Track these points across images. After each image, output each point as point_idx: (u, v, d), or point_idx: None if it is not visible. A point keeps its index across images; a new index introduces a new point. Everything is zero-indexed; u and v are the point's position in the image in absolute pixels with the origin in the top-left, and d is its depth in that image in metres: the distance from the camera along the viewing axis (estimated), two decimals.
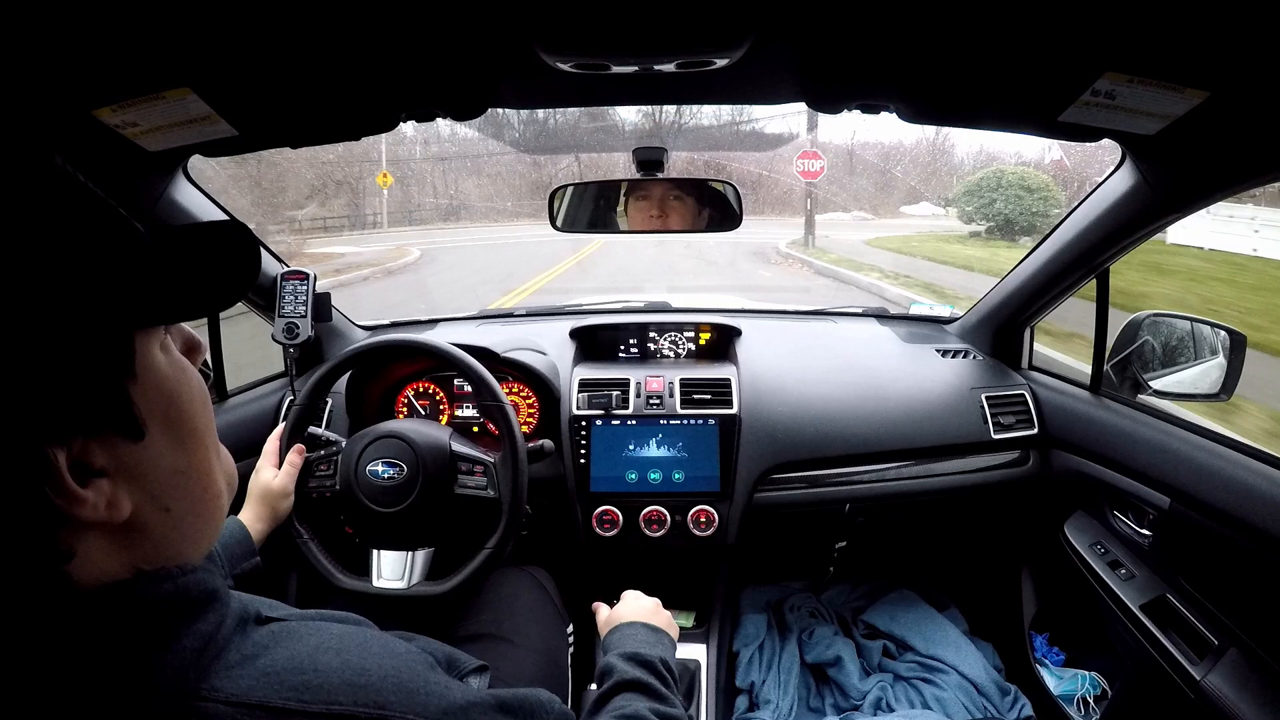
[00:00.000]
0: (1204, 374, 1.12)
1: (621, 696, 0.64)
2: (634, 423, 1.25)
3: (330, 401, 1.28)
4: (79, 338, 0.30)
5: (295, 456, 1.00)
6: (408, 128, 0.89)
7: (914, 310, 1.68)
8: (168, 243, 0.35)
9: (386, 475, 0.97)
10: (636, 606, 0.85)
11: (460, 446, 1.02)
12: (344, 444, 1.03)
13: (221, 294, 0.38)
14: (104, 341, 0.32)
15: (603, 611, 0.87)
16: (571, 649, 1.10)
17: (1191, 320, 1.17)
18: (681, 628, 1.30)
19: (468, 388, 1.06)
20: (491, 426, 1.29)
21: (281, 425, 1.04)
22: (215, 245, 0.37)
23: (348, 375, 1.23)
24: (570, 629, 1.11)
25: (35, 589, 0.31)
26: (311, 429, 1.08)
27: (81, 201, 0.31)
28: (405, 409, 1.34)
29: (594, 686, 0.80)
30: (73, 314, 0.30)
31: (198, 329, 0.42)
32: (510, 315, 1.69)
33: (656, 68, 0.74)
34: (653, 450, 1.24)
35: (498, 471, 1.00)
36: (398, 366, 1.32)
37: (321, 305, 1.26)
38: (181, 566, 0.36)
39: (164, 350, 0.36)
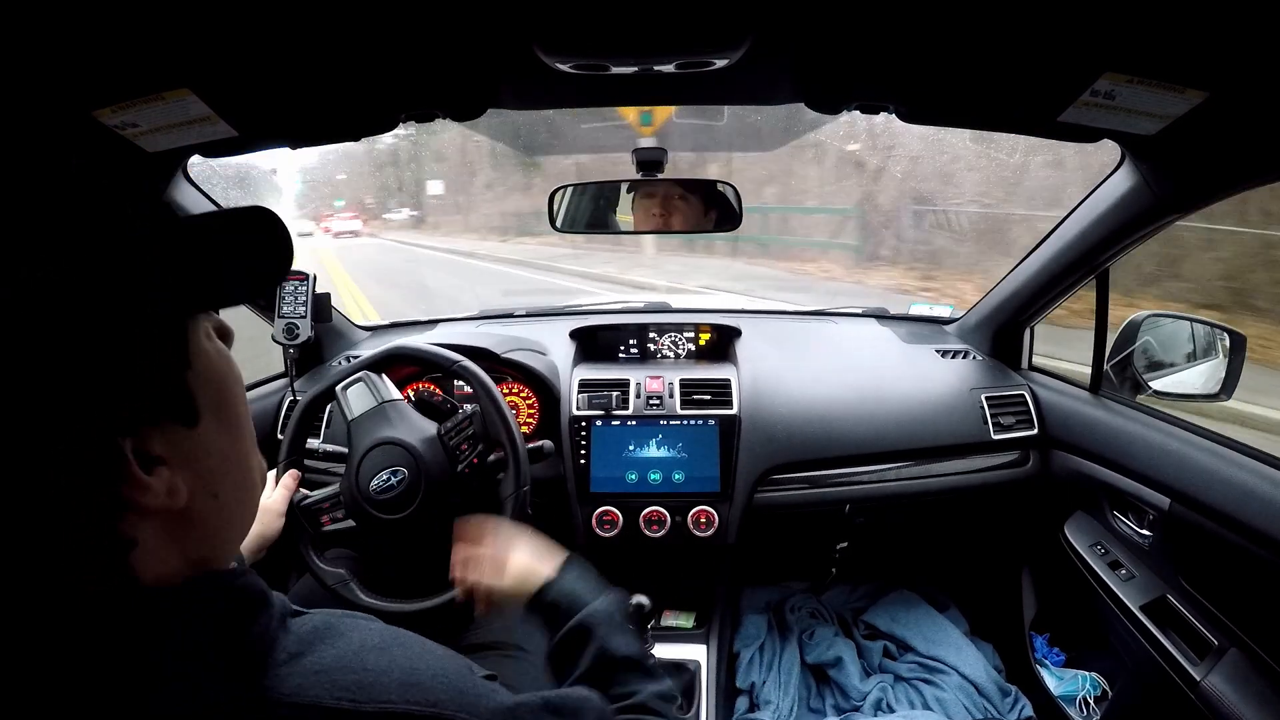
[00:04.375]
0: (1204, 374, 1.12)
1: (625, 677, 0.58)
2: (634, 423, 1.25)
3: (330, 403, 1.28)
4: (137, 329, 0.32)
5: (290, 480, 0.99)
6: None
7: (914, 310, 1.68)
8: (202, 230, 0.36)
9: (389, 483, 0.96)
10: (528, 549, 0.70)
11: (445, 424, 1.02)
12: (344, 461, 1.02)
13: (261, 277, 0.39)
14: (160, 331, 0.33)
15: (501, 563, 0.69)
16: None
17: (1191, 320, 1.17)
18: (681, 628, 1.31)
19: (469, 388, 1.06)
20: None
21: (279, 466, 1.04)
22: (247, 230, 0.38)
23: None
24: None
25: (102, 581, 0.31)
26: (311, 442, 1.08)
27: (120, 200, 0.33)
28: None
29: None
30: (131, 306, 0.31)
31: None
32: (510, 315, 1.69)
33: (656, 68, 0.74)
34: (653, 451, 1.24)
35: (481, 419, 1.02)
36: (395, 369, 1.32)
37: (321, 306, 1.26)
38: (233, 571, 0.37)
39: (208, 337, 0.37)
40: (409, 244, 13.33)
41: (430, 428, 1.01)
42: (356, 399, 1.02)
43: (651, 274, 7.64)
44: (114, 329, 0.30)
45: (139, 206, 0.33)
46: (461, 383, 1.33)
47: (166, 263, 0.33)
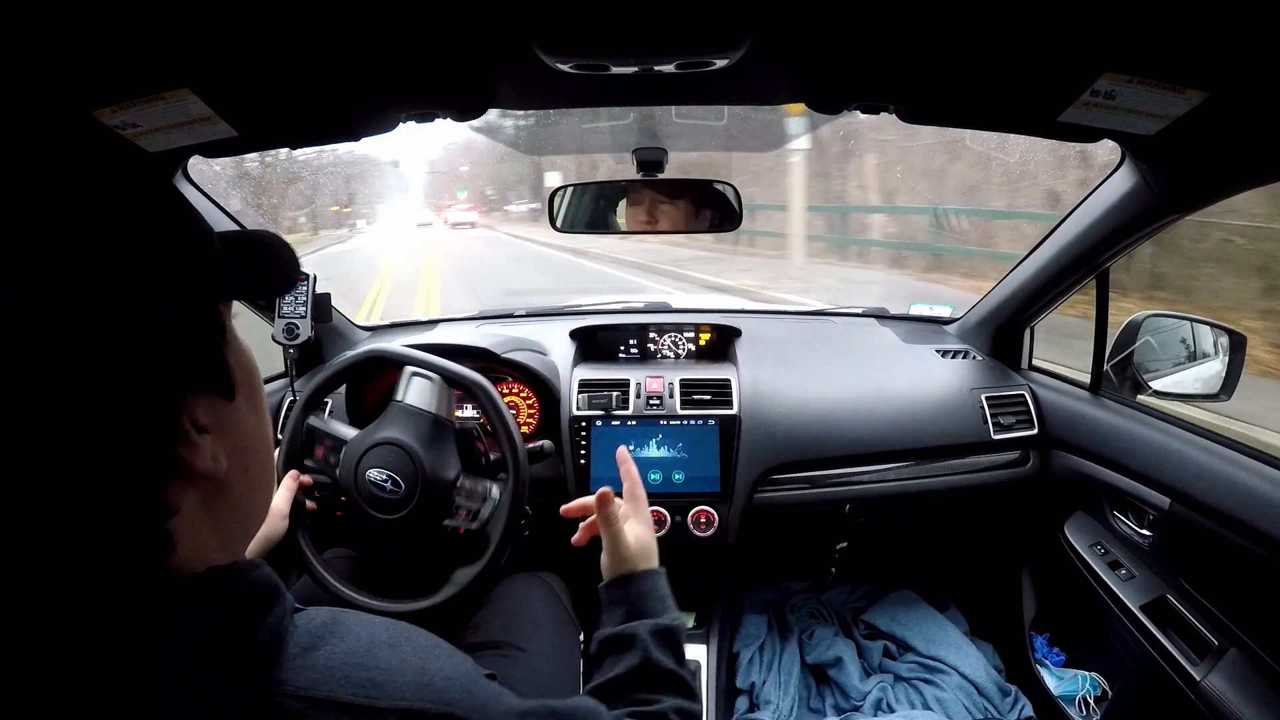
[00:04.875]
0: (1204, 374, 1.12)
1: (654, 693, 0.58)
2: (634, 423, 1.25)
3: (330, 402, 1.28)
4: (187, 302, 0.34)
5: (290, 480, 0.99)
6: None
7: (914, 310, 1.68)
8: (226, 238, 0.39)
9: (383, 482, 0.96)
10: (650, 540, 0.72)
11: (466, 482, 0.99)
12: (347, 441, 1.02)
13: (269, 286, 0.43)
14: (203, 305, 0.35)
15: (623, 528, 0.70)
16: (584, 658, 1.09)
17: (1191, 320, 1.17)
18: None
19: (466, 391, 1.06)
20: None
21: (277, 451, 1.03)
22: (260, 246, 0.41)
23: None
24: (583, 636, 1.10)
25: (143, 548, 0.32)
26: (311, 420, 1.07)
27: (166, 198, 0.35)
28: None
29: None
30: (181, 283, 0.34)
31: None
32: (510, 316, 1.69)
33: (656, 68, 0.74)
34: (653, 451, 1.24)
35: (495, 506, 0.98)
36: (395, 370, 1.32)
37: (321, 306, 1.26)
38: (252, 562, 0.37)
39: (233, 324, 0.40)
40: (519, 238, 13.03)
41: (451, 472, 0.99)
42: (417, 391, 1.01)
43: (801, 290, 6.29)
44: (168, 299, 0.32)
45: (187, 213, 0.36)
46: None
47: (204, 255, 0.36)
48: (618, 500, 0.72)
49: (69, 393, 0.29)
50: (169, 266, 0.33)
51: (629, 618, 0.64)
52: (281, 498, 0.97)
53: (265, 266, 0.41)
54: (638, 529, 0.72)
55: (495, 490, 0.99)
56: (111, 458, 0.30)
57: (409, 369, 1.02)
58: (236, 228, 1.18)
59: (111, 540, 0.31)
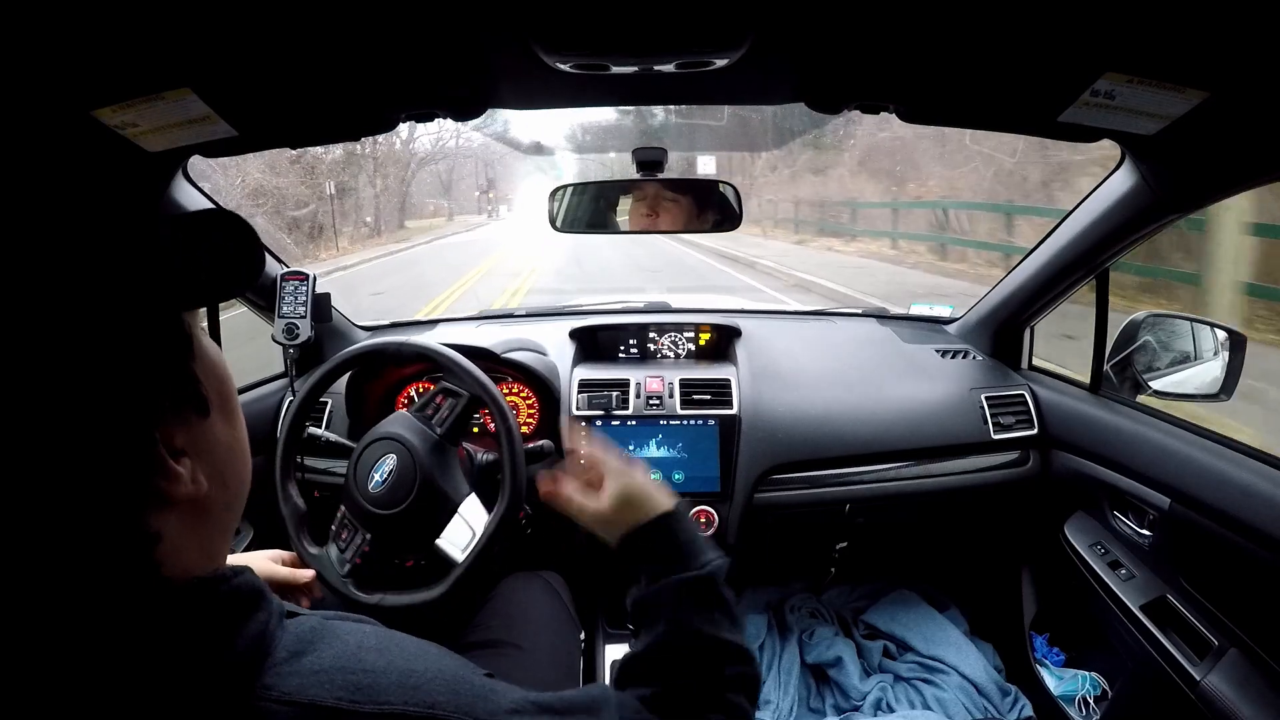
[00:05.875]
0: (1204, 374, 1.12)
1: (684, 667, 0.53)
2: (634, 423, 1.25)
3: (330, 402, 1.28)
4: (150, 322, 0.33)
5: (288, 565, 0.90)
6: None
7: (914, 310, 1.68)
8: (181, 231, 0.38)
9: (385, 479, 0.96)
10: (648, 485, 0.65)
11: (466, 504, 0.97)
12: (345, 443, 1.02)
13: (238, 277, 0.40)
14: (168, 322, 0.35)
15: (615, 484, 0.63)
16: (584, 655, 1.09)
17: (1191, 320, 1.17)
18: None
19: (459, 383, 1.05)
20: (491, 425, 1.29)
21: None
22: (221, 231, 0.39)
23: (347, 375, 1.22)
24: (583, 635, 1.10)
25: (126, 577, 0.32)
26: (312, 430, 1.07)
27: (119, 209, 0.35)
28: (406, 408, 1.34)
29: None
30: (141, 301, 0.33)
31: None
32: (510, 316, 1.69)
33: (656, 68, 0.74)
34: (653, 451, 1.24)
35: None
36: (396, 368, 1.32)
37: (321, 306, 1.26)
38: (234, 569, 0.37)
39: (202, 333, 0.39)
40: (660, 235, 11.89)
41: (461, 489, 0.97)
42: (457, 529, 0.96)
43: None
44: (129, 322, 0.32)
45: (134, 207, 0.35)
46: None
47: (161, 258, 0.35)
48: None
49: (39, 437, 0.29)
50: (126, 289, 0.32)
51: (655, 578, 0.58)
52: (264, 558, 0.85)
53: (225, 258, 0.39)
54: (627, 480, 0.65)
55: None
56: (90, 500, 0.30)
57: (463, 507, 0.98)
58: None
59: (96, 570, 0.31)
